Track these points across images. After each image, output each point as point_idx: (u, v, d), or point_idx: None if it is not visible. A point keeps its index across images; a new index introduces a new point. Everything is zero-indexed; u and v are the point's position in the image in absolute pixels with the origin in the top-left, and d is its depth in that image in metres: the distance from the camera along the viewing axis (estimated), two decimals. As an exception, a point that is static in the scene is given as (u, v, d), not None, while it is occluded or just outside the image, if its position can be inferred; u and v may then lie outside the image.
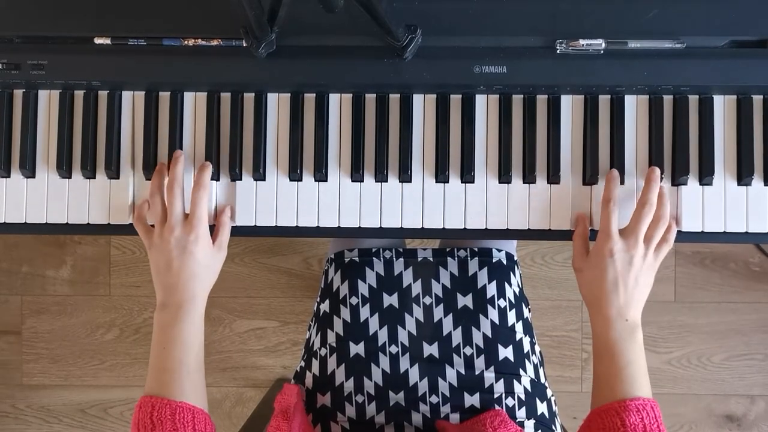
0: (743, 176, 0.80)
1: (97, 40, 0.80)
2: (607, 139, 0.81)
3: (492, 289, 0.88)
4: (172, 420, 0.69)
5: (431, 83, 0.80)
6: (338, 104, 0.82)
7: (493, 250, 0.91)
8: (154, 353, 0.74)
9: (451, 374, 0.84)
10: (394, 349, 0.86)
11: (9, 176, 0.83)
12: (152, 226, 0.79)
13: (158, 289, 0.77)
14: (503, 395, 0.82)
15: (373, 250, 0.91)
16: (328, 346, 0.88)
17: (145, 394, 0.71)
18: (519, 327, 0.88)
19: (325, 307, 0.91)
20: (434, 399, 0.82)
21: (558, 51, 0.78)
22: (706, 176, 0.80)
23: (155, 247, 0.77)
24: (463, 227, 0.82)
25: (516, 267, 0.94)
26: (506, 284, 0.89)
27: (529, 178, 0.81)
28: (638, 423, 0.68)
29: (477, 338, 0.86)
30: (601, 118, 0.81)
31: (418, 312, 0.87)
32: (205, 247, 0.77)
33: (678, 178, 0.80)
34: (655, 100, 0.81)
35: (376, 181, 0.82)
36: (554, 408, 0.89)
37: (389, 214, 0.82)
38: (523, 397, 0.83)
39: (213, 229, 0.80)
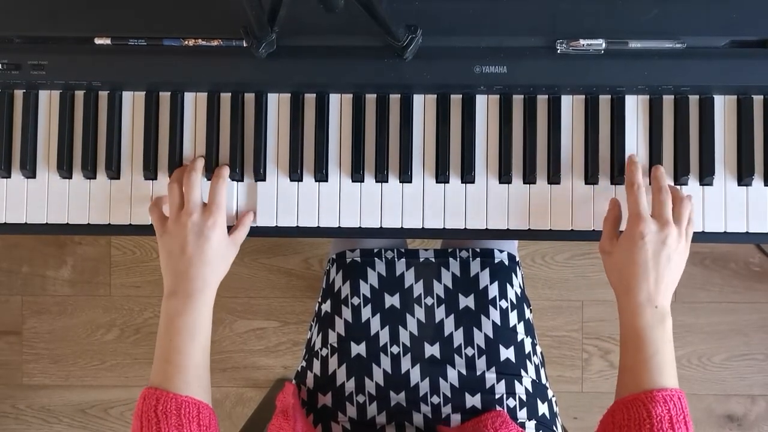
0: (743, 176, 0.80)
1: (97, 40, 0.80)
2: (608, 140, 0.81)
3: (494, 290, 0.88)
4: (177, 415, 0.68)
5: (431, 83, 0.80)
6: (338, 104, 0.82)
7: (495, 251, 0.91)
8: (160, 343, 0.73)
9: (452, 375, 0.84)
10: (395, 349, 0.86)
11: (9, 176, 0.83)
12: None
13: (167, 276, 0.75)
14: (504, 396, 0.82)
15: (375, 250, 0.91)
16: (329, 346, 0.88)
17: (149, 385, 0.70)
18: (520, 328, 0.88)
19: (326, 307, 0.91)
20: (435, 399, 0.82)
21: (558, 51, 0.78)
22: (706, 176, 0.80)
23: (169, 233, 0.76)
24: (463, 227, 0.82)
25: (518, 268, 0.94)
26: (508, 285, 0.89)
27: (529, 178, 0.81)
28: (665, 414, 0.66)
29: (478, 339, 0.85)
30: (602, 118, 0.81)
31: (419, 312, 0.87)
32: (220, 235, 0.76)
33: (678, 179, 0.80)
34: (655, 100, 0.81)
35: (376, 182, 0.82)
36: (555, 408, 0.89)
37: (390, 215, 0.82)
38: (524, 397, 0.83)
39: (230, 230, 0.80)
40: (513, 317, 0.88)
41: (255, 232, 0.82)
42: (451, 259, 0.90)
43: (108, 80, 0.81)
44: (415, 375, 0.84)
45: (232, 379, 1.67)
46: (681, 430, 0.66)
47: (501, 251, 0.91)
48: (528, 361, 0.87)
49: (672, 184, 0.80)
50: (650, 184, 0.78)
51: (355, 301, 0.88)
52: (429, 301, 0.88)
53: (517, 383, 0.83)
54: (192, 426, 0.68)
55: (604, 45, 0.78)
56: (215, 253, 0.75)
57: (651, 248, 0.72)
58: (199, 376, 0.73)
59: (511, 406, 0.82)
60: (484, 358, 0.84)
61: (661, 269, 0.72)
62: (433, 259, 0.90)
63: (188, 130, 0.83)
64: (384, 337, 0.86)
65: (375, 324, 0.87)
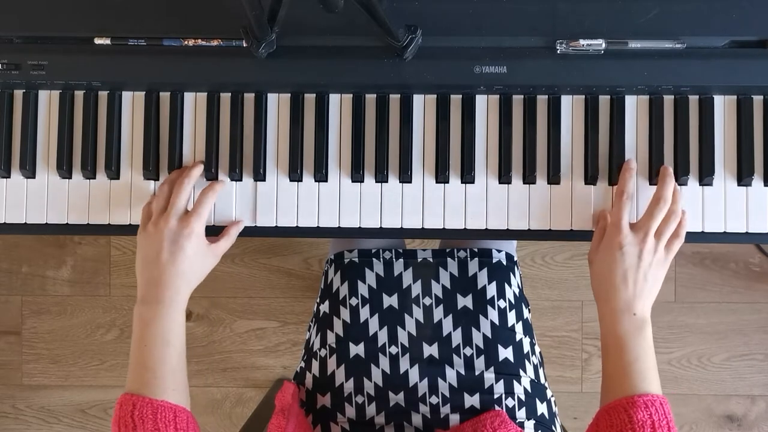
0: (743, 176, 0.80)
1: (97, 40, 0.80)
2: (608, 140, 0.81)
3: (492, 290, 0.88)
4: (153, 420, 0.68)
5: (431, 83, 0.80)
6: (338, 104, 0.82)
7: (493, 251, 0.91)
8: (134, 349, 0.73)
9: (451, 375, 0.84)
10: (393, 349, 0.86)
11: (9, 176, 0.83)
12: None
13: (140, 281, 0.76)
14: (503, 396, 0.82)
15: (373, 250, 0.91)
16: (327, 346, 0.88)
17: (126, 392, 0.71)
18: (519, 327, 0.88)
19: (324, 307, 0.91)
20: (434, 400, 0.82)
21: (558, 51, 0.78)
22: (706, 176, 0.80)
23: (147, 235, 0.77)
24: (463, 227, 0.82)
25: (516, 268, 0.94)
26: (506, 285, 0.89)
27: (529, 178, 0.81)
28: (646, 419, 0.67)
29: (477, 339, 0.85)
30: (602, 118, 0.81)
31: (417, 313, 0.87)
32: (196, 245, 0.76)
33: (678, 179, 0.80)
34: (655, 101, 0.81)
35: (376, 182, 0.82)
36: (554, 408, 0.89)
37: (389, 215, 0.82)
38: (523, 397, 0.83)
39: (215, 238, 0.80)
40: (511, 317, 0.88)
41: (255, 232, 0.82)
42: (449, 259, 0.90)
43: (108, 80, 0.81)
44: (414, 375, 0.84)
45: (232, 379, 1.66)
46: None
47: (499, 251, 0.91)
48: (527, 361, 0.87)
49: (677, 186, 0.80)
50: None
51: (353, 301, 0.88)
52: (427, 301, 0.88)
53: (515, 383, 0.83)
54: (168, 429, 0.68)
55: (604, 45, 0.78)
56: (189, 264, 0.75)
57: (627, 260, 0.73)
58: (175, 380, 0.73)
59: (510, 406, 0.82)
60: (482, 358, 0.84)
61: (639, 281, 0.73)
62: (431, 260, 0.90)
63: (188, 130, 0.83)
64: (382, 337, 0.86)
65: (373, 324, 0.87)
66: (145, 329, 0.73)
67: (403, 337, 0.86)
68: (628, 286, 0.73)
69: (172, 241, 0.75)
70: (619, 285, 0.73)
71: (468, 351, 0.85)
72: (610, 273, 0.74)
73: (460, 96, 0.82)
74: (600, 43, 0.78)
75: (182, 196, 0.77)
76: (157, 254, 0.75)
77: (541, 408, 0.84)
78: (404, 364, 0.85)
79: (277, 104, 0.83)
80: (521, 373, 0.85)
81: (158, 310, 0.74)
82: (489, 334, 0.86)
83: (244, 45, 0.78)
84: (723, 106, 0.81)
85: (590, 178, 0.81)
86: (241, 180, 0.82)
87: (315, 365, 0.88)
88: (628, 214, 0.76)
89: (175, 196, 0.77)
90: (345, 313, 0.88)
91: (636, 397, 0.68)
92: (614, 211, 0.77)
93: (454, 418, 0.81)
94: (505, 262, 0.91)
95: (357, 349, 0.86)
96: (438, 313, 0.87)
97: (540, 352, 0.93)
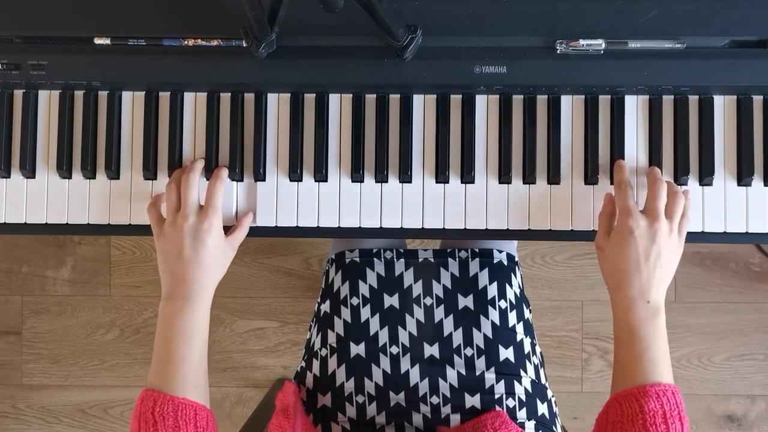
0: (743, 176, 0.80)
1: (97, 40, 0.80)
2: (608, 140, 0.81)
3: (493, 290, 0.88)
4: (174, 417, 0.68)
5: (431, 83, 0.80)
6: (338, 104, 0.82)
7: (494, 251, 0.91)
8: (158, 345, 0.73)
9: (451, 375, 0.84)
10: (394, 349, 0.86)
11: (9, 176, 0.83)
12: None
13: (165, 279, 0.76)
14: (504, 396, 0.82)
15: (374, 250, 0.91)
16: (328, 346, 0.88)
17: (147, 387, 0.71)
18: (520, 328, 0.88)
19: (325, 307, 0.91)
20: (435, 400, 0.82)
21: (558, 51, 0.78)
22: (706, 176, 0.80)
23: (166, 235, 0.76)
24: (463, 227, 0.82)
25: (517, 268, 0.94)
26: (507, 285, 0.89)
27: (529, 178, 0.81)
28: (658, 409, 0.66)
29: (478, 339, 0.85)
30: (602, 118, 0.81)
31: (418, 312, 0.87)
32: (217, 238, 0.76)
33: (678, 179, 0.80)
34: (655, 101, 0.81)
35: (376, 182, 0.82)
36: (555, 409, 0.89)
37: (389, 215, 0.82)
38: (523, 397, 0.83)
39: (229, 230, 0.80)
40: (512, 317, 0.88)
41: (255, 232, 0.82)
42: (450, 259, 0.90)
43: (108, 80, 0.81)
44: (415, 375, 0.84)
45: (232, 379, 1.67)
46: (675, 425, 0.65)
47: (500, 251, 0.91)
48: (527, 362, 0.87)
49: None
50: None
51: (354, 301, 0.88)
52: (428, 301, 0.88)
53: (516, 383, 0.83)
54: (189, 428, 0.68)
55: (603, 45, 0.78)
56: (212, 257, 0.75)
57: (641, 244, 0.72)
58: (197, 378, 0.73)
59: (511, 406, 0.82)
60: (483, 358, 0.84)
61: (652, 265, 0.72)
62: (432, 260, 0.90)
63: (188, 130, 0.83)
64: (383, 337, 0.86)
65: (374, 324, 0.87)
66: (168, 325, 0.73)
67: (403, 336, 0.86)
68: (641, 272, 0.72)
69: (194, 237, 0.75)
70: (632, 271, 0.72)
71: (469, 351, 0.85)
72: (623, 258, 0.73)
73: (460, 96, 0.82)
74: (600, 43, 0.78)
75: (192, 191, 0.77)
76: (178, 251, 0.75)
77: (542, 408, 0.84)
78: (405, 363, 0.85)
79: (277, 104, 0.83)
80: (522, 373, 0.85)
81: (183, 306, 0.74)
82: (490, 335, 0.86)
83: (244, 45, 0.78)
84: (723, 106, 0.81)
85: (590, 178, 0.81)
86: (241, 180, 0.82)
87: (316, 365, 0.88)
88: (633, 197, 0.75)
89: (185, 192, 0.77)
90: (346, 313, 0.88)
91: (648, 387, 0.67)
92: (619, 199, 0.76)
93: (455, 418, 0.81)
94: (506, 263, 0.91)
95: (358, 349, 0.86)
96: (439, 313, 0.87)
97: (541, 353, 0.93)
